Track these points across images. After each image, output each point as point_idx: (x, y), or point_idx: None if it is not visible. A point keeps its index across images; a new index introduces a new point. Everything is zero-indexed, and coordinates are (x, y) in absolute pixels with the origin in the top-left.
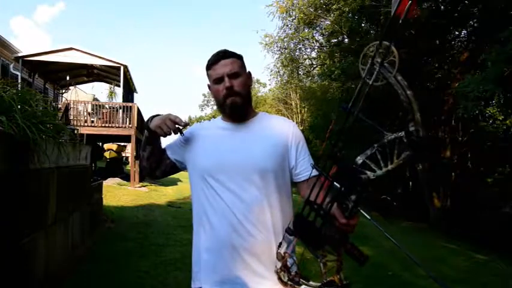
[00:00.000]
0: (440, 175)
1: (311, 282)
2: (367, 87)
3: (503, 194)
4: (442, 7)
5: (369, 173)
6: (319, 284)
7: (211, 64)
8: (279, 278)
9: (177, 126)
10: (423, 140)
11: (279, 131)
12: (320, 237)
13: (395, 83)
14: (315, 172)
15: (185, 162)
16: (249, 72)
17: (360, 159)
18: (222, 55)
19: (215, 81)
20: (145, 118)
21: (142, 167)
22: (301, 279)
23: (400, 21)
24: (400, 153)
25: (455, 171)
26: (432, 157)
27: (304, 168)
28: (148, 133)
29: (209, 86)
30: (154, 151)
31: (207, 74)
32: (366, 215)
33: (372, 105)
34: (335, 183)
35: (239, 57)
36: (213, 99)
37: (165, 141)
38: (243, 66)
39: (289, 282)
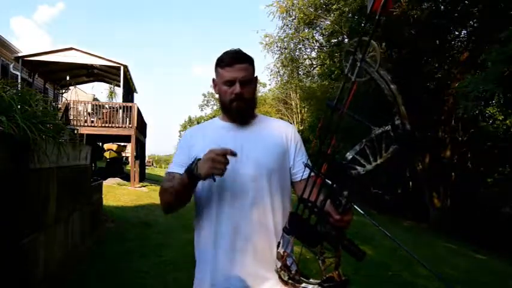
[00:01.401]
0: (440, 175)
1: (311, 280)
2: (351, 83)
3: (503, 194)
4: (442, 7)
5: (359, 168)
6: (318, 281)
7: (225, 64)
8: (280, 277)
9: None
10: (409, 133)
11: (279, 132)
12: (316, 234)
13: (379, 78)
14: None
15: None
16: (256, 76)
17: (349, 155)
18: (238, 58)
19: (225, 82)
20: (146, 119)
21: (170, 207)
22: (301, 278)
23: (377, 17)
24: (388, 147)
25: (455, 171)
26: (422, 149)
27: (301, 168)
28: (192, 180)
29: (214, 81)
30: (190, 193)
31: (217, 71)
32: (359, 210)
33: (374, 103)
34: (327, 180)
35: (252, 62)
36: (213, 99)
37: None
38: (253, 72)
39: (289, 281)
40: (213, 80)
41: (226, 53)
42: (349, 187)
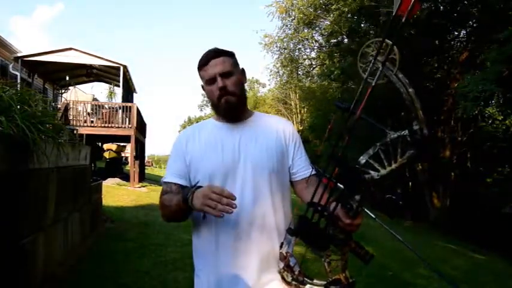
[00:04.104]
0: (440, 175)
1: (315, 281)
2: (369, 87)
3: (503, 194)
4: (441, 7)
5: (372, 172)
6: (324, 282)
7: (202, 65)
8: (283, 278)
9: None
10: (427, 139)
11: (276, 130)
12: (325, 238)
13: (397, 81)
14: (313, 171)
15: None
16: (243, 69)
17: (363, 159)
18: (213, 55)
19: (208, 82)
20: (145, 119)
21: (170, 221)
22: (305, 278)
23: (403, 20)
24: (403, 152)
25: (454, 171)
26: (433, 156)
27: (301, 167)
28: (187, 207)
29: (203, 87)
30: (189, 214)
31: (200, 75)
32: (370, 214)
33: (374, 105)
34: (338, 184)
35: (230, 55)
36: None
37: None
38: (235, 64)
39: (293, 282)
40: (202, 86)
41: (202, 55)
42: (362, 191)
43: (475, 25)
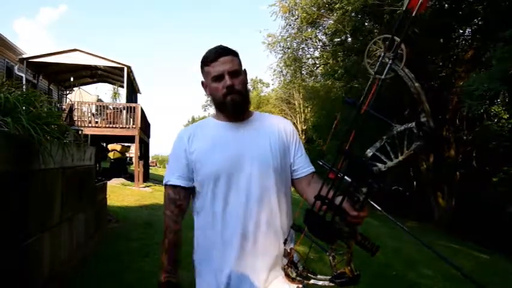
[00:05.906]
0: (445, 174)
1: (319, 276)
2: (379, 81)
3: (508, 194)
4: (446, 5)
5: (379, 164)
6: (329, 277)
7: (210, 61)
8: (287, 275)
9: None
10: (433, 130)
11: (278, 128)
12: (333, 231)
13: (404, 75)
14: (312, 169)
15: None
16: (245, 69)
17: (369, 152)
18: (221, 52)
19: (214, 78)
20: (149, 119)
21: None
22: (309, 274)
23: (413, 14)
24: (410, 144)
25: (459, 170)
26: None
27: (301, 165)
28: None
29: (203, 83)
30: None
31: (204, 70)
32: (377, 206)
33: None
34: (346, 177)
35: (237, 55)
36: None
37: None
38: (240, 63)
39: (297, 278)
40: (202, 82)
41: (208, 51)
42: (370, 183)
43: (480, 23)
